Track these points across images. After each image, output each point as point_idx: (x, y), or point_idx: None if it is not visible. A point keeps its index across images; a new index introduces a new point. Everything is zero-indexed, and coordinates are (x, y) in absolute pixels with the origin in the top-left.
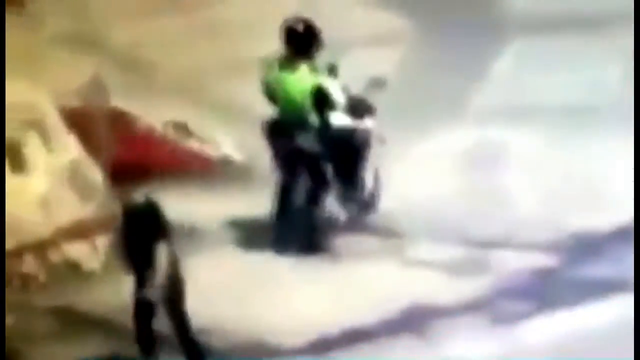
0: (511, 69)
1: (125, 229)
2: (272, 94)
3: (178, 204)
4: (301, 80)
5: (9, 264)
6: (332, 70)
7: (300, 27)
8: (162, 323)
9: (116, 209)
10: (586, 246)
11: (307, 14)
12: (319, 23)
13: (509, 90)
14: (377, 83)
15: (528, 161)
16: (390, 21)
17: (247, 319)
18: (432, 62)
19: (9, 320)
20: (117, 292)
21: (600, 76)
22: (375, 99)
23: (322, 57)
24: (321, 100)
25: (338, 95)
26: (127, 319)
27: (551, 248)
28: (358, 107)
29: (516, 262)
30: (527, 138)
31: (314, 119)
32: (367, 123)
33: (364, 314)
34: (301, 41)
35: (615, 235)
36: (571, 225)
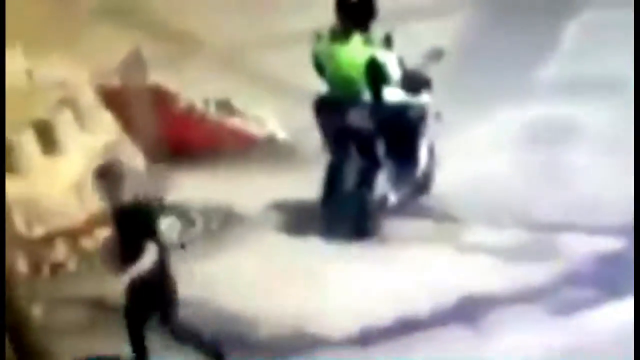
0: (579, 41)
1: (115, 231)
2: (321, 67)
3: (219, 186)
4: (354, 52)
5: (38, 250)
6: (388, 42)
7: None
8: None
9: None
10: None
11: None
12: None
13: (577, 63)
14: (435, 54)
15: (596, 138)
16: None
17: (293, 309)
18: (492, 34)
19: (37, 310)
20: None
21: None
22: (433, 73)
23: (377, 29)
24: (375, 73)
25: (394, 68)
26: None
27: (620, 231)
28: (414, 81)
29: (581, 247)
30: (596, 114)
31: (366, 94)
32: (424, 98)
33: (415, 303)
34: (354, 11)
35: None
36: None
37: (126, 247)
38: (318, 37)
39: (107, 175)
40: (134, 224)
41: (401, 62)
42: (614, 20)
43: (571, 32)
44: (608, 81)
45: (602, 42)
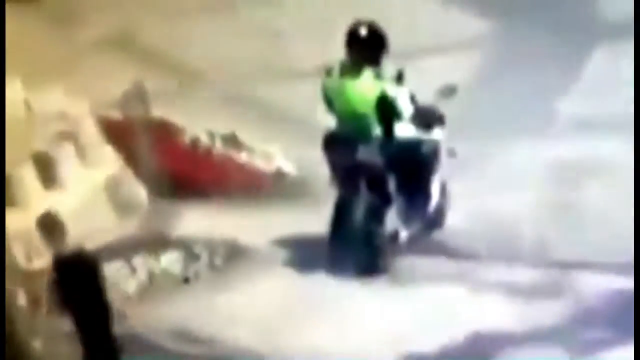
0: (601, 74)
1: (55, 278)
2: (331, 102)
3: (224, 221)
4: (364, 87)
5: (38, 284)
6: (400, 78)
7: (363, 31)
8: None
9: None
10: None
11: (372, 17)
12: (385, 27)
13: (599, 97)
14: (448, 91)
15: (615, 177)
16: (465, 24)
17: (299, 346)
18: (509, 68)
19: (37, 344)
20: (156, 315)
21: None
22: (447, 109)
23: (389, 65)
24: (386, 108)
25: (405, 104)
26: (166, 343)
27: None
28: (426, 117)
29: (597, 286)
30: (616, 151)
31: (377, 129)
32: (436, 134)
33: (426, 342)
34: (365, 46)
35: None
36: None
37: (66, 294)
38: (328, 72)
39: (46, 224)
40: (73, 273)
41: (413, 98)
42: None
43: (594, 64)
44: (627, 118)
45: (621, 78)
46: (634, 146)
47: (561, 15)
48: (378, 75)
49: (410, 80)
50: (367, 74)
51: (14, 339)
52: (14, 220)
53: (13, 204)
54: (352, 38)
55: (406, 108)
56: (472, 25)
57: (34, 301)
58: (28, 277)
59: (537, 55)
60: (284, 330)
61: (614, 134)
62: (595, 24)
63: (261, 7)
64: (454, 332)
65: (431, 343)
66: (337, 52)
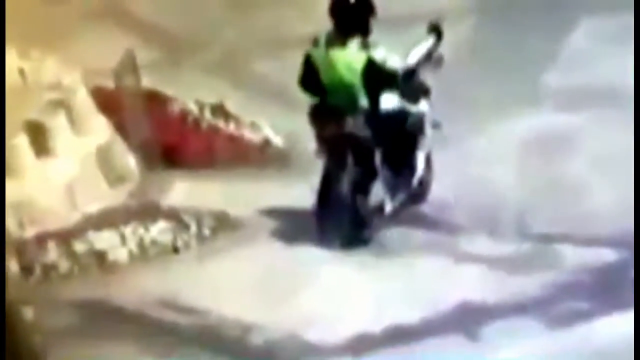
0: (581, 50)
1: None
2: (313, 72)
3: (212, 191)
4: (351, 57)
5: (30, 252)
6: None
7: None
8: None
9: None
10: None
11: None
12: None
13: (580, 73)
14: (436, 61)
15: (596, 150)
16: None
17: (286, 315)
18: (493, 45)
19: (29, 313)
20: (145, 285)
21: None
22: (432, 82)
23: (377, 36)
24: (374, 76)
25: (396, 63)
26: (154, 312)
27: (618, 243)
28: (413, 89)
29: (579, 258)
30: (597, 125)
31: (363, 101)
32: (422, 107)
33: (410, 313)
34: (352, 13)
35: None
36: None
37: None
38: (314, 42)
39: None
40: None
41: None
42: (616, 27)
43: (575, 40)
44: (609, 92)
45: (604, 52)
46: (634, 141)
47: None
48: (365, 45)
49: (399, 50)
50: (354, 44)
51: (5, 307)
52: (7, 189)
53: (6, 173)
54: (338, 5)
55: (397, 64)
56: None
57: (25, 269)
58: (20, 245)
59: (519, 34)
60: (270, 300)
61: (592, 108)
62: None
63: None
64: (437, 302)
65: (415, 313)
66: (326, 23)
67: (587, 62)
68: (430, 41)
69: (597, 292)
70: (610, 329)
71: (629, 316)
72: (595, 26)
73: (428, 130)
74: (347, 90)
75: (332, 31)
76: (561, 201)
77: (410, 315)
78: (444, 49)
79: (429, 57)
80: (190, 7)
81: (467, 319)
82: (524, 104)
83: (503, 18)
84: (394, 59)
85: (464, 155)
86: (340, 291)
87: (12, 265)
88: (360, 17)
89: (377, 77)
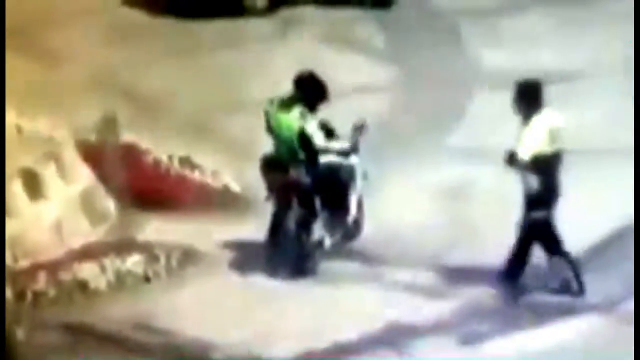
0: (480, 115)
1: None
2: (270, 127)
3: (180, 229)
4: (291, 121)
5: (23, 281)
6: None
7: (305, 79)
8: None
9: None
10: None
11: (310, 67)
12: (321, 73)
13: (479, 132)
14: (360, 127)
15: (493, 195)
16: (379, 72)
17: (244, 335)
18: (413, 108)
19: (20, 334)
20: (121, 310)
21: None
22: (362, 140)
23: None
24: (305, 143)
25: (320, 142)
26: (129, 334)
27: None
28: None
29: (484, 286)
30: (492, 175)
31: (302, 155)
32: (353, 160)
33: (346, 331)
34: (306, 91)
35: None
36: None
37: None
38: (270, 101)
39: None
40: None
41: (332, 133)
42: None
43: (475, 108)
44: (500, 147)
45: (499, 116)
46: (634, 146)
47: (450, 70)
48: (303, 115)
49: (337, 115)
50: (296, 111)
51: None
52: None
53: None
54: (298, 82)
55: (319, 145)
56: (384, 74)
57: (18, 295)
58: (14, 275)
59: (430, 101)
60: (228, 322)
61: (486, 162)
62: (474, 78)
63: (221, 51)
64: (370, 323)
65: (352, 332)
66: (284, 87)
67: (482, 126)
68: (355, 136)
69: (497, 315)
70: (510, 347)
71: (526, 334)
72: (490, 97)
73: (359, 179)
74: (288, 146)
75: (285, 96)
76: (464, 239)
77: (348, 333)
78: (371, 117)
79: (333, 135)
80: (166, 75)
81: (395, 337)
82: (435, 158)
83: (416, 91)
84: (319, 137)
85: (389, 200)
86: (288, 314)
87: (7, 292)
88: (311, 96)
89: (307, 144)
